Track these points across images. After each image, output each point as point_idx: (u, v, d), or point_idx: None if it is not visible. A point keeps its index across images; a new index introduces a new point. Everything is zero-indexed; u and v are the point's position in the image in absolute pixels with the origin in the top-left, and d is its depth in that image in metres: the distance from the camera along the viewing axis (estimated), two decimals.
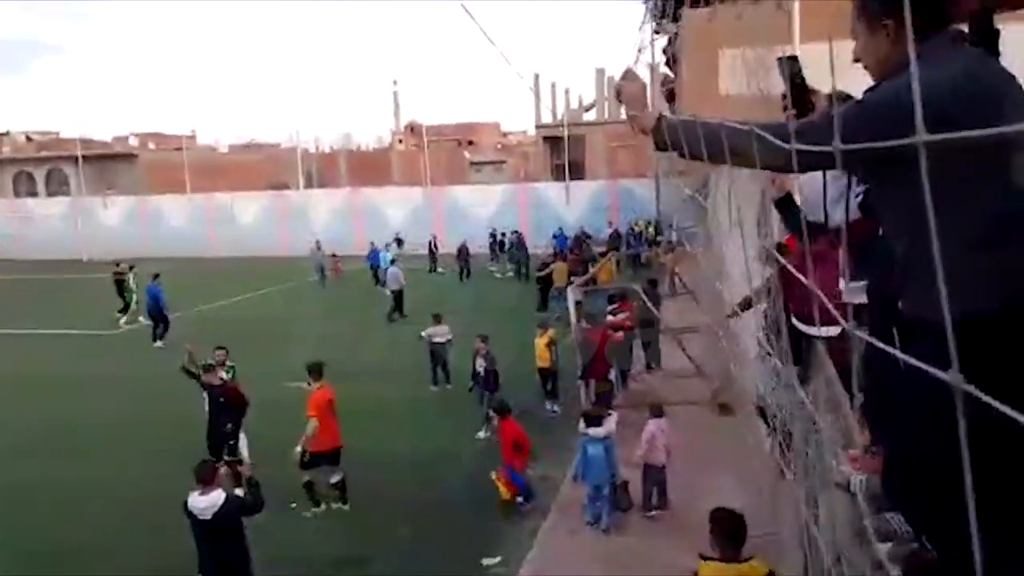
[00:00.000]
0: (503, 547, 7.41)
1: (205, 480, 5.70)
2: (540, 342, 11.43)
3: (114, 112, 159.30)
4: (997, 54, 1.88)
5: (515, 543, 7.47)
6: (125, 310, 19.84)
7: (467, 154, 51.92)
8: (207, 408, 8.72)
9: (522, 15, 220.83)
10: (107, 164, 42.22)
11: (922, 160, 0.86)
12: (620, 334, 11.65)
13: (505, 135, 66.00)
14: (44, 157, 44.42)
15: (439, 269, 27.83)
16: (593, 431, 7.62)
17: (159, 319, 17.22)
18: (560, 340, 11.77)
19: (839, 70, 1.41)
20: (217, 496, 5.64)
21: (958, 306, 0.93)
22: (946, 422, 0.88)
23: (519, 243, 27.24)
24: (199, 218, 37.07)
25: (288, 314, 20.62)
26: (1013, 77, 1.52)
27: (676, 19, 17.14)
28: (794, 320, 3.64)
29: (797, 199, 3.28)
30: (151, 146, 49.21)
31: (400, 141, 58.64)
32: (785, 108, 2.10)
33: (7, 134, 48.80)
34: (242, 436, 8.64)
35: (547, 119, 42.89)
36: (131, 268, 20.24)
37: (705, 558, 4.23)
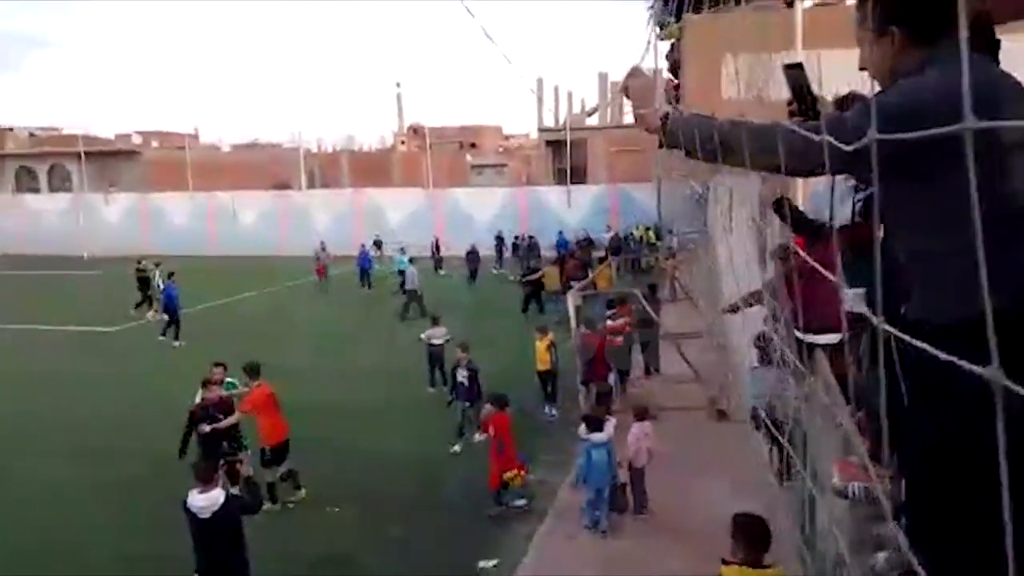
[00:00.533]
0: (499, 550, 7.39)
1: (204, 479, 5.66)
2: (541, 345, 11.42)
3: (118, 109, 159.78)
4: (997, 64, 1.88)
5: (511, 547, 7.45)
6: (144, 304, 20.24)
7: (469, 156, 51.87)
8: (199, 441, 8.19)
9: (526, 19, 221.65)
10: (109, 161, 42.21)
11: (969, 147, 0.82)
12: (619, 339, 11.65)
13: (507, 138, 65.89)
14: (46, 153, 44.35)
15: (442, 271, 27.78)
16: (596, 437, 7.60)
17: (173, 318, 17.37)
18: (559, 344, 11.75)
19: (836, 76, 1.40)
20: (217, 495, 5.59)
21: (970, 306, 0.91)
22: (963, 443, 0.85)
23: (531, 247, 27.09)
24: (201, 216, 37.02)
25: (288, 314, 20.62)
26: (1020, 84, 1.53)
27: (679, 19, 17.11)
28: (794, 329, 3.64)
29: (798, 199, 3.28)
30: (154, 144, 49.09)
31: (403, 143, 58.60)
32: (791, 114, 2.06)
33: (11, 130, 48.65)
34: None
35: (549, 123, 42.87)
36: (157, 265, 20.43)
37: (727, 562, 4.11)
